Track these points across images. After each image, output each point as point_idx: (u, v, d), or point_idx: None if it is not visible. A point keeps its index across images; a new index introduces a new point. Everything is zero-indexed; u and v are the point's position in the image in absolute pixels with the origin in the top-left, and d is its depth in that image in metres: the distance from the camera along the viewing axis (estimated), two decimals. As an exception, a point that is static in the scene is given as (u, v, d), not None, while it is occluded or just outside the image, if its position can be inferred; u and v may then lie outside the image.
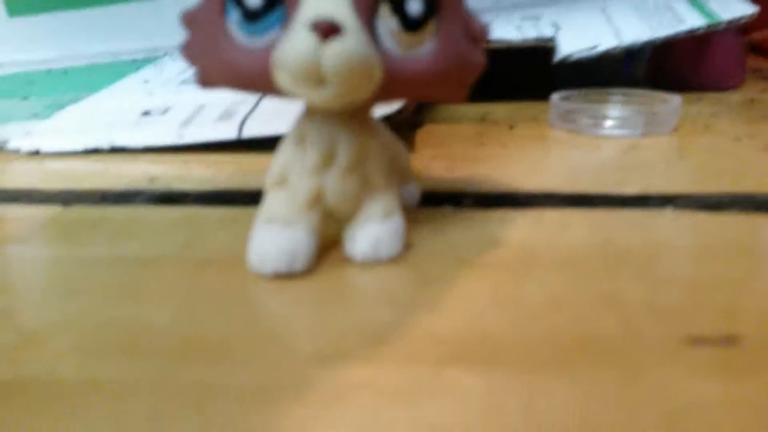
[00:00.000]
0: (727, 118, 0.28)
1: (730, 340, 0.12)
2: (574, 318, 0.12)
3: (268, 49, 0.12)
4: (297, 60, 0.12)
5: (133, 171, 0.23)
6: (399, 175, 0.17)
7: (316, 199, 0.14)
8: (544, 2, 0.38)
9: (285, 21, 0.12)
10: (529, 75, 0.39)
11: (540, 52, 0.31)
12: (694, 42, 0.33)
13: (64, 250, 0.17)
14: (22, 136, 0.26)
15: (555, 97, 0.28)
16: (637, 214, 0.18)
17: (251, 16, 0.12)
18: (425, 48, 0.13)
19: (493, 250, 0.16)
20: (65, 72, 0.38)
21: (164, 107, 0.27)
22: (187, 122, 0.25)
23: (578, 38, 0.31)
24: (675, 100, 0.26)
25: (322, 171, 0.14)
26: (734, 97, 0.32)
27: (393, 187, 0.15)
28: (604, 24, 0.32)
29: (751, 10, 0.31)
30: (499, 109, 0.31)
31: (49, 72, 0.39)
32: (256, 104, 0.26)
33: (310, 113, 0.14)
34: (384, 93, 0.13)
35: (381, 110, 0.23)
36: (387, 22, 0.12)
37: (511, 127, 0.27)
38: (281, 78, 0.12)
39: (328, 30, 0.11)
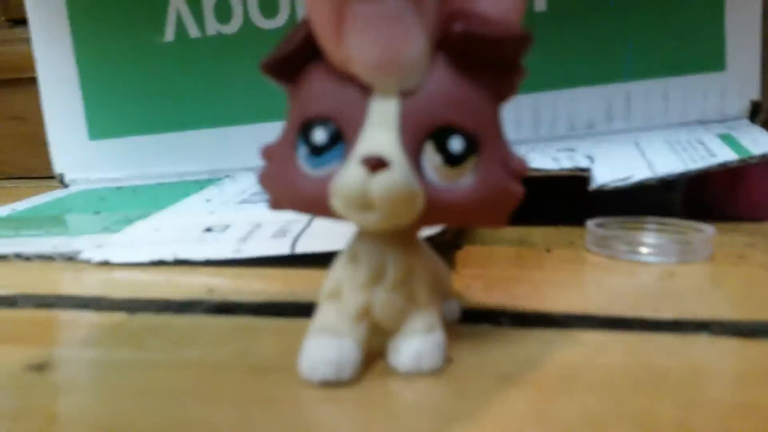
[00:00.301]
0: (761, 248, 0.28)
1: (765, 466, 0.12)
2: (609, 436, 0.13)
3: (328, 180, 0.14)
4: (348, 188, 0.13)
5: (194, 282, 0.24)
6: (441, 292, 0.18)
7: (365, 313, 0.16)
8: (579, 135, 0.40)
9: (344, 155, 0.14)
10: (565, 202, 0.41)
11: (576, 180, 0.33)
12: (727, 174, 0.35)
13: (129, 355, 0.18)
14: (94, 247, 0.28)
15: (590, 223, 0.29)
16: (673, 338, 0.18)
17: (316, 151, 0.14)
18: (465, 181, 0.14)
19: (531, 369, 0.16)
20: (134, 190, 0.42)
21: (225, 225, 0.30)
22: (244, 239, 0.27)
23: (612, 169, 0.32)
24: (708, 230, 0.27)
25: (371, 287, 0.15)
26: (769, 227, 0.33)
27: (435, 304, 0.16)
28: (638, 157, 0.34)
29: (780, 146, 0.32)
30: (537, 233, 0.32)
31: (119, 190, 0.43)
32: (308, 224, 0.28)
33: (362, 234, 0.16)
34: (427, 219, 0.14)
35: (425, 232, 0.25)
36: (431, 157, 0.14)
37: (548, 251, 0.29)
38: (336, 204, 0.14)
39: (375, 164, 0.13)
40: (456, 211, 0.15)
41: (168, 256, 0.26)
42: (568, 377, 0.16)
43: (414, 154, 0.14)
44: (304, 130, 0.14)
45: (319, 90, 0.14)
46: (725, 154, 0.32)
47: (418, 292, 0.16)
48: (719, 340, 0.18)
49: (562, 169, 0.32)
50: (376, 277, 0.15)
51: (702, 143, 0.35)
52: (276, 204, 0.16)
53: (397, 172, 0.13)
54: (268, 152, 0.15)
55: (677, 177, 0.32)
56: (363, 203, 0.13)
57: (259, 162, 0.15)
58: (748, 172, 0.35)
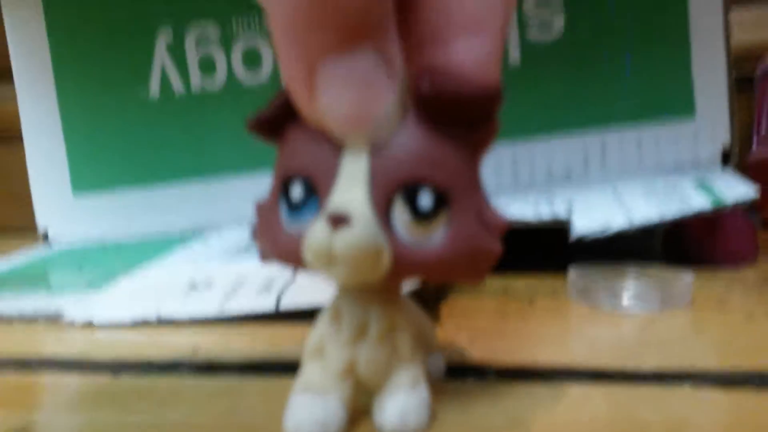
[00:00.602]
0: (740, 294, 0.29)
1: None
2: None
3: (302, 234, 0.14)
4: (313, 244, 0.14)
5: (178, 342, 0.24)
6: (425, 346, 0.18)
7: (350, 370, 0.16)
8: (558, 182, 0.41)
9: (318, 211, 0.14)
10: (547, 248, 0.41)
11: (556, 229, 0.34)
12: (704, 221, 0.35)
13: (113, 418, 0.18)
14: (76, 307, 0.28)
15: (572, 273, 0.29)
16: (656, 390, 0.18)
17: (294, 207, 0.15)
18: (437, 236, 0.14)
19: (517, 424, 0.16)
20: (119, 246, 0.42)
21: (209, 281, 0.30)
22: (229, 296, 0.27)
23: (591, 218, 0.33)
24: (687, 277, 0.27)
25: (355, 343, 0.16)
26: (748, 273, 0.34)
27: (419, 358, 0.16)
28: (616, 205, 0.35)
29: (752, 193, 0.33)
30: (520, 283, 0.33)
31: (103, 247, 0.42)
32: (293, 279, 0.28)
33: (344, 290, 0.16)
34: (398, 275, 0.15)
35: (408, 285, 0.25)
36: (400, 213, 0.14)
37: (531, 302, 0.29)
38: (307, 258, 0.14)
39: (336, 220, 0.14)
40: (427, 267, 0.15)
41: (151, 316, 0.26)
42: (553, 433, 0.16)
43: (383, 209, 0.14)
44: (285, 186, 0.15)
45: (296, 147, 0.15)
46: (700, 203, 0.33)
47: (402, 347, 0.16)
48: (702, 391, 0.18)
49: (542, 220, 0.33)
50: (360, 334, 0.16)
51: (677, 191, 0.36)
52: (264, 256, 0.16)
53: (358, 229, 0.13)
54: (260, 207, 0.16)
55: (654, 226, 0.32)
56: (327, 259, 0.14)
57: (242, 215, 0.16)
58: (724, 220, 0.36)
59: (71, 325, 0.27)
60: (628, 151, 0.41)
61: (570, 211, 0.34)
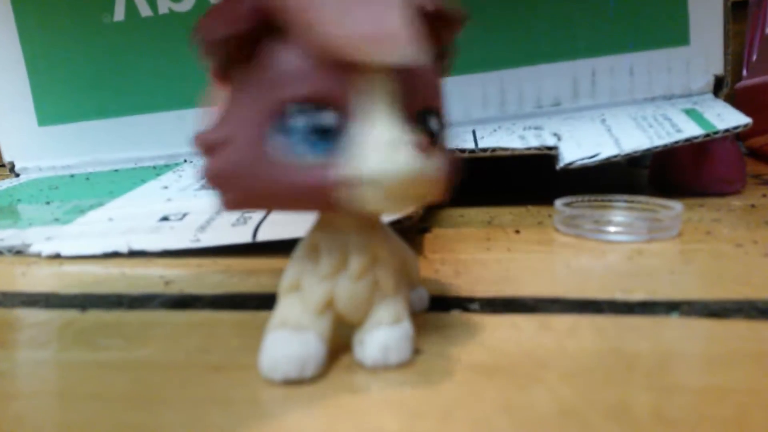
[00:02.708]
0: (728, 223, 0.28)
1: (741, 453, 0.12)
2: (582, 428, 0.12)
3: (327, 168, 0.13)
4: (398, 174, 0.12)
5: (149, 275, 0.23)
6: (408, 280, 0.17)
7: (328, 305, 0.15)
8: (546, 113, 0.40)
9: (343, 140, 0.13)
10: (533, 181, 0.40)
11: (544, 159, 0.33)
12: (693, 149, 0.35)
13: (80, 355, 0.17)
14: (44, 240, 0.27)
15: (558, 203, 0.28)
16: (644, 320, 0.18)
17: (316, 136, 0.13)
18: (437, 159, 0.14)
19: (502, 357, 0.16)
20: (87, 178, 0.40)
21: (182, 213, 0.28)
22: (203, 227, 0.26)
23: (579, 147, 0.32)
24: (677, 206, 0.27)
25: (333, 277, 0.15)
26: (735, 202, 0.33)
27: (402, 293, 0.16)
28: (604, 134, 0.34)
29: (745, 120, 0.33)
30: (505, 213, 0.32)
31: (72, 177, 0.41)
32: (270, 211, 0.27)
33: (322, 223, 0.15)
34: (425, 198, 0.14)
35: (390, 216, 0.24)
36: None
37: (517, 232, 0.28)
38: (365, 193, 0.12)
39: (427, 147, 0.13)
40: (435, 187, 0.14)
41: (122, 248, 0.25)
42: (539, 365, 0.15)
43: None
44: (293, 113, 0.13)
45: (302, 70, 0.13)
46: (691, 130, 0.32)
47: (383, 282, 0.15)
48: (690, 321, 0.18)
49: (529, 148, 0.32)
50: (339, 267, 0.15)
51: (668, 119, 0.35)
52: (237, 203, 0.14)
53: (437, 155, 0.13)
54: (212, 143, 0.13)
55: (644, 153, 0.31)
56: (405, 190, 0.13)
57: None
58: (712, 148, 0.35)
59: (38, 257, 0.26)
60: (620, 78, 0.39)
61: (558, 140, 0.33)
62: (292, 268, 0.15)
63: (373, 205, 0.13)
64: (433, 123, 0.14)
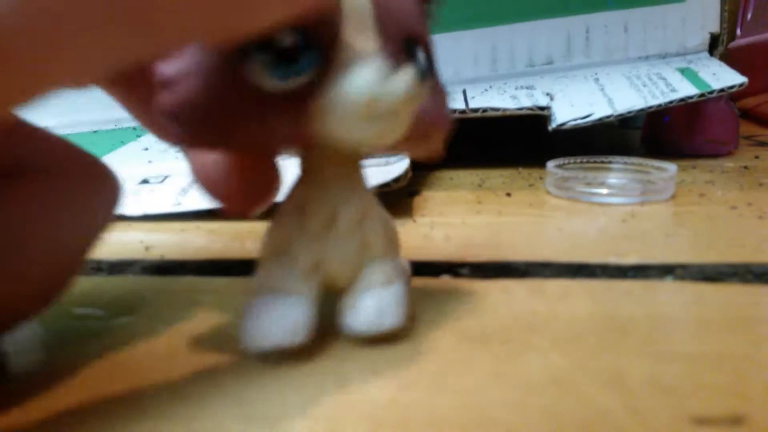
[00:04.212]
0: (722, 185, 0.28)
1: (736, 421, 0.11)
2: (575, 396, 0.12)
3: (303, 92, 0.12)
4: (367, 87, 0.11)
5: (129, 240, 0.23)
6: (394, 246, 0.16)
7: (317, 267, 0.14)
8: (538, 72, 0.39)
9: (320, 64, 0.12)
10: (525, 143, 0.40)
11: (536, 120, 0.32)
12: (687, 110, 0.34)
13: (55, 324, 0.16)
14: (21, 204, 0.26)
15: (551, 164, 0.28)
16: (637, 284, 0.17)
17: (286, 58, 0.11)
18: (430, 98, 0.13)
19: (493, 323, 0.15)
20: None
21: (163, 175, 0.27)
22: (185, 190, 0.26)
23: (572, 107, 0.31)
24: (671, 168, 0.26)
25: (322, 236, 0.14)
26: (728, 164, 0.33)
27: (392, 255, 0.15)
28: (598, 93, 0.33)
29: (741, 79, 0.32)
30: (496, 176, 0.31)
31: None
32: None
33: (306, 181, 0.14)
34: (413, 135, 0.13)
35: (378, 178, 0.23)
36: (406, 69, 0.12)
37: (508, 195, 0.28)
38: (333, 118, 0.12)
39: (400, 59, 0.12)
40: (424, 129, 0.13)
41: (101, 212, 0.24)
42: (531, 332, 0.15)
43: (394, 63, 0.12)
44: (260, 38, 0.11)
45: None
46: (685, 89, 0.32)
47: (373, 241, 0.14)
48: (684, 284, 0.17)
49: (521, 108, 0.31)
50: (327, 226, 0.14)
51: (662, 78, 0.34)
52: (198, 138, 0.12)
53: (412, 72, 0.12)
54: (174, 75, 0.12)
55: (637, 113, 0.31)
56: (380, 108, 0.12)
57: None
58: (706, 108, 0.35)
59: (13, 223, 0.25)
60: (614, 35, 0.38)
61: (551, 100, 0.32)
62: (276, 230, 0.14)
63: (337, 132, 0.12)
64: (421, 56, 0.13)
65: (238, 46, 0.11)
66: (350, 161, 0.14)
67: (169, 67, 0.12)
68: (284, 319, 0.13)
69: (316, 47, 0.12)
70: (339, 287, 0.14)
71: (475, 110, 0.31)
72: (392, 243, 0.16)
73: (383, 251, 0.14)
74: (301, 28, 0.11)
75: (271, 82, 0.12)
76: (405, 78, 0.11)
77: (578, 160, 0.29)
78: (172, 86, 0.12)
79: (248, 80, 0.12)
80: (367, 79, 0.11)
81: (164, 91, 0.12)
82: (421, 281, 0.18)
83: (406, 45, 0.13)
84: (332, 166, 0.14)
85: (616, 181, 0.27)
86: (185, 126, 0.12)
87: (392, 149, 0.14)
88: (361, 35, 0.12)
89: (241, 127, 0.12)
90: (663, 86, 0.33)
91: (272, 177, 0.15)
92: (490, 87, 0.37)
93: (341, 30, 0.12)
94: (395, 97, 0.12)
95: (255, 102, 0.12)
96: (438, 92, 0.14)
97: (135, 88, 0.15)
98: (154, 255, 0.21)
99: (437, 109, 0.14)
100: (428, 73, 0.13)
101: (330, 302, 0.15)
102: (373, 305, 0.14)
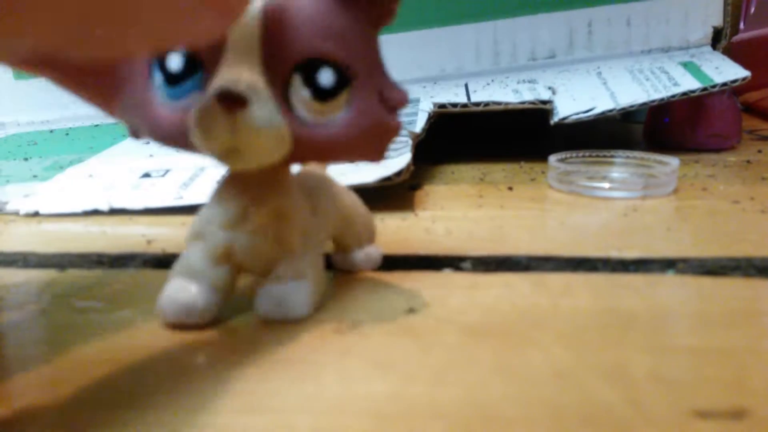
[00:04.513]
0: (724, 179, 0.28)
1: (737, 414, 0.11)
2: (577, 389, 0.12)
3: (185, 112, 0.13)
4: (204, 130, 0.12)
5: (131, 233, 0.23)
6: (356, 237, 0.18)
7: (226, 255, 0.15)
8: (540, 66, 0.39)
9: (203, 86, 0.13)
10: (527, 137, 0.40)
11: (538, 114, 0.32)
12: (690, 104, 0.34)
13: (59, 317, 0.16)
14: (22, 197, 0.26)
15: (552, 158, 0.28)
16: (639, 278, 0.17)
17: (172, 80, 0.13)
18: (338, 116, 0.13)
19: (495, 317, 0.15)
20: (67, 133, 0.39)
21: (164, 169, 0.27)
22: (186, 184, 0.25)
23: (575, 101, 0.31)
24: (673, 162, 0.26)
25: (234, 229, 0.15)
26: (731, 158, 0.33)
27: (309, 251, 0.16)
28: (600, 87, 0.33)
29: (744, 73, 0.32)
30: (498, 170, 0.31)
31: (51, 133, 0.39)
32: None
33: (231, 176, 0.15)
34: (297, 157, 0.14)
35: (378, 173, 0.23)
36: (299, 91, 0.13)
37: (510, 189, 0.28)
38: (196, 142, 0.13)
39: (231, 103, 0.12)
40: (329, 148, 0.14)
41: (103, 206, 0.24)
42: (533, 325, 0.15)
43: (280, 87, 0.13)
44: (158, 55, 0.13)
45: None
46: (688, 83, 0.31)
47: (288, 237, 0.15)
48: (686, 279, 0.17)
49: (523, 102, 0.31)
50: (239, 219, 0.15)
51: (665, 72, 0.34)
52: (134, 133, 0.14)
53: (260, 110, 0.12)
54: (120, 80, 0.14)
55: (640, 107, 0.31)
56: (222, 143, 0.12)
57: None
58: (708, 102, 0.35)
59: (15, 215, 0.25)
60: (617, 29, 0.38)
61: (553, 94, 0.32)
62: (199, 216, 0.15)
63: (206, 154, 0.13)
64: (325, 76, 0.13)
65: (148, 62, 0.13)
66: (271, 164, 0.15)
67: (120, 71, 0.14)
68: (184, 299, 0.15)
69: (203, 72, 0.13)
70: (256, 275, 0.16)
71: (477, 104, 0.31)
72: (353, 237, 0.17)
73: (297, 248, 0.15)
74: (188, 53, 0.13)
75: (163, 98, 0.13)
76: (248, 118, 0.12)
77: (580, 154, 0.29)
78: (120, 88, 0.14)
79: (153, 94, 0.13)
80: (199, 119, 0.12)
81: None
82: (422, 275, 0.18)
83: (304, 67, 0.13)
84: (252, 169, 0.14)
85: (618, 175, 0.27)
86: (126, 123, 0.14)
87: (331, 159, 0.15)
88: (242, 60, 0.13)
89: (151, 131, 0.13)
90: (665, 80, 0.32)
91: None
92: (492, 81, 0.36)
93: (226, 55, 0.13)
94: (239, 137, 0.12)
95: (156, 113, 0.13)
96: (368, 101, 0.14)
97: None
98: (156, 248, 0.21)
99: (358, 121, 0.14)
100: (338, 91, 0.13)
101: (329, 303, 0.15)
102: (273, 296, 0.15)
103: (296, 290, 0.15)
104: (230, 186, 0.15)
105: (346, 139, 0.14)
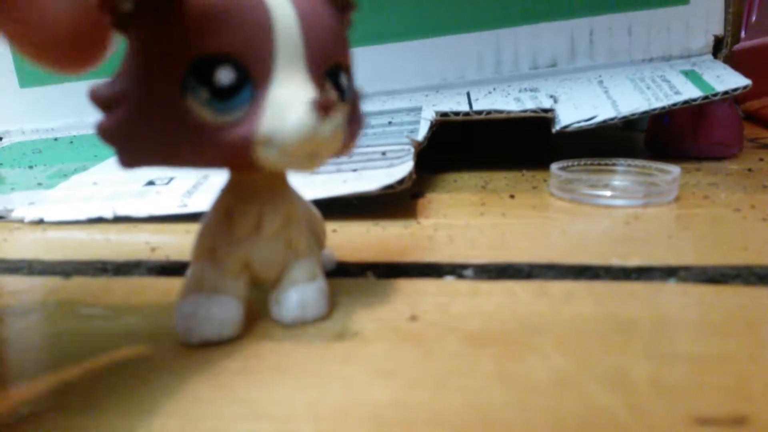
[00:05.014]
0: (726, 187, 0.28)
1: (738, 421, 0.11)
2: (578, 397, 0.12)
3: (240, 126, 0.12)
4: (301, 136, 0.12)
5: (135, 241, 0.23)
6: (318, 239, 0.18)
7: (244, 267, 0.15)
8: (542, 74, 0.39)
9: (254, 97, 0.12)
10: (529, 145, 0.40)
11: (539, 123, 0.32)
12: (691, 112, 0.34)
13: (64, 324, 0.16)
14: (27, 205, 0.26)
15: (554, 167, 0.28)
16: (641, 286, 0.18)
17: (222, 94, 0.12)
18: (346, 116, 0.14)
19: (497, 324, 0.15)
20: (71, 141, 0.39)
21: (168, 177, 0.28)
22: (190, 192, 0.26)
23: (576, 109, 0.31)
24: (675, 170, 0.26)
25: (248, 241, 0.15)
26: (732, 166, 0.33)
27: (315, 253, 0.16)
28: (602, 96, 0.33)
29: (745, 82, 0.32)
30: (500, 178, 0.31)
31: (56, 141, 0.40)
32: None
33: (233, 186, 0.15)
34: (331, 157, 0.14)
35: (380, 181, 0.23)
36: (332, 95, 0.14)
37: (512, 197, 0.28)
38: (268, 153, 0.12)
39: (329, 107, 0.12)
40: (349, 144, 0.15)
41: (107, 213, 0.25)
42: (535, 333, 0.15)
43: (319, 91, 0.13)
44: (202, 69, 0.12)
45: (211, 21, 0.12)
46: (689, 92, 0.32)
47: (297, 241, 0.15)
48: (688, 286, 0.17)
49: (525, 111, 0.31)
50: (253, 229, 0.15)
51: (666, 80, 0.34)
52: (140, 160, 0.13)
53: (339, 113, 0.13)
54: (111, 98, 0.12)
55: (641, 115, 0.31)
56: (312, 149, 0.12)
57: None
58: (710, 110, 0.35)
59: (21, 224, 0.25)
60: (618, 38, 0.38)
61: (555, 102, 0.32)
62: (206, 233, 0.15)
63: (273, 163, 0.13)
64: (343, 79, 0.14)
65: (179, 77, 0.12)
66: (276, 171, 0.15)
67: (103, 89, 0.12)
68: (213, 315, 0.14)
69: (251, 84, 0.13)
70: (267, 283, 0.16)
71: (479, 112, 0.31)
72: (316, 241, 0.17)
73: (306, 250, 0.16)
74: (238, 65, 0.12)
75: (208, 115, 0.12)
76: (335, 122, 0.13)
77: (582, 163, 0.29)
78: (110, 109, 0.12)
79: (187, 110, 0.12)
80: (298, 123, 0.12)
81: (105, 112, 0.12)
82: (424, 282, 0.18)
83: (331, 72, 0.14)
84: (258, 176, 0.15)
85: (619, 184, 0.27)
86: (123, 148, 0.12)
87: (343, 152, 0.15)
88: (292, 69, 0.13)
89: (177, 153, 0.13)
90: (667, 88, 0.33)
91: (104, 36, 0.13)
92: (494, 89, 0.37)
93: (274, 64, 0.13)
94: (325, 140, 0.13)
95: (192, 131, 0.12)
96: (355, 100, 0.15)
97: None
98: (160, 256, 0.21)
99: (353, 118, 0.15)
100: (350, 94, 0.14)
101: (332, 310, 0.15)
102: (297, 299, 0.15)
103: (315, 292, 0.15)
104: (236, 195, 0.15)
105: (353, 135, 0.15)
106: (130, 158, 0.12)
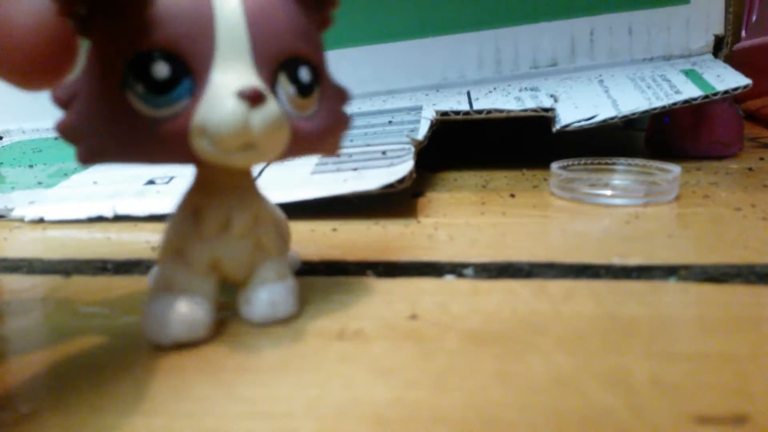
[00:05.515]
0: (726, 187, 0.28)
1: (738, 420, 0.11)
2: (578, 395, 0.12)
3: (180, 119, 0.12)
4: (228, 126, 0.12)
5: (136, 240, 0.23)
6: (285, 240, 0.17)
7: (214, 267, 0.15)
8: (542, 74, 0.39)
9: (194, 91, 0.13)
10: (529, 145, 0.40)
11: (540, 122, 0.32)
12: (692, 111, 0.34)
13: (64, 323, 0.16)
14: (27, 204, 0.26)
15: (555, 166, 0.28)
16: (641, 285, 0.18)
17: (159, 88, 0.12)
18: (313, 111, 0.14)
19: (497, 323, 0.15)
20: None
21: (168, 176, 0.28)
22: (190, 191, 0.26)
23: (577, 108, 0.31)
24: (675, 169, 0.26)
25: (217, 240, 0.15)
26: (733, 165, 0.33)
27: (283, 252, 0.16)
28: (602, 95, 0.33)
29: (745, 81, 0.32)
30: (500, 177, 0.31)
31: (56, 140, 0.40)
32: (260, 173, 0.27)
33: (200, 186, 0.15)
34: (292, 151, 0.14)
35: (381, 180, 0.23)
36: (286, 88, 0.14)
37: (512, 196, 0.28)
38: (203, 144, 0.12)
39: (256, 97, 0.12)
40: (311, 141, 0.14)
41: (107, 212, 0.25)
42: (535, 332, 0.15)
43: (270, 85, 0.13)
44: (139, 64, 0.12)
45: (152, 18, 0.12)
46: (689, 91, 0.32)
47: (266, 240, 0.15)
48: (688, 285, 0.17)
49: (525, 110, 0.31)
50: (221, 230, 0.15)
51: (666, 80, 0.34)
52: (94, 157, 0.13)
53: (273, 104, 0.13)
54: (68, 96, 0.13)
55: (641, 115, 0.31)
56: (244, 141, 0.12)
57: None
58: (710, 110, 0.35)
59: (20, 222, 0.25)
60: (618, 37, 0.38)
61: (555, 101, 0.32)
62: (173, 233, 0.15)
63: (210, 154, 0.13)
64: (304, 73, 0.14)
65: (119, 73, 0.12)
66: (242, 169, 0.15)
67: (62, 89, 0.13)
68: (183, 316, 0.14)
69: (191, 77, 0.13)
70: (235, 283, 0.16)
71: (480, 112, 0.31)
72: (284, 242, 0.17)
73: (275, 250, 0.16)
74: (175, 58, 0.12)
75: (146, 109, 0.12)
76: (267, 113, 0.12)
77: (582, 162, 0.29)
78: (66, 107, 0.13)
79: (128, 105, 0.12)
80: (224, 112, 0.12)
81: (64, 110, 0.13)
82: (424, 281, 0.18)
83: (286, 65, 0.14)
84: (225, 174, 0.14)
85: (620, 183, 0.27)
86: (79, 145, 0.13)
87: (307, 152, 0.15)
88: (234, 61, 0.13)
89: (126, 148, 0.13)
90: (667, 88, 0.33)
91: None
92: (495, 89, 0.37)
93: (214, 57, 0.13)
94: (258, 131, 0.12)
95: (135, 125, 0.12)
96: (330, 98, 0.15)
97: None
98: (160, 255, 0.21)
99: (329, 116, 0.15)
100: (313, 87, 0.14)
101: (331, 309, 0.15)
102: (266, 298, 0.15)
103: (285, 291, 0.15)
104: (203, 193, 0.15)
105: (323, 132, 0.15)
106: (86, 154, 0.13)
